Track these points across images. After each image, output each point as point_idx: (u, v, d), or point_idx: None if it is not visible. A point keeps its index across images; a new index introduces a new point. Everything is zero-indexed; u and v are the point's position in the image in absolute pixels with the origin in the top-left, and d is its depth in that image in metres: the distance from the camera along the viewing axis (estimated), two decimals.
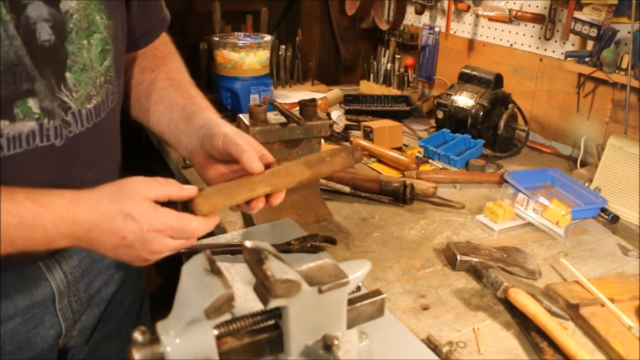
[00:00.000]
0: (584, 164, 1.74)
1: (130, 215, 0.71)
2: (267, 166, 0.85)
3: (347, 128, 1.98)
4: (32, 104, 0.76)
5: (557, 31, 1.85)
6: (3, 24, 0.70)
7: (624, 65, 1.57)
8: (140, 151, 2.08)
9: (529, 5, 1.93)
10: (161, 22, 1.06)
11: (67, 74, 0.80)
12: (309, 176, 0.83)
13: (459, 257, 1.13)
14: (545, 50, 1.91)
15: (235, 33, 2.15)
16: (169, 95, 0.99)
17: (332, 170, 0.86)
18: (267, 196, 0.84)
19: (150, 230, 0.72)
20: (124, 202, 0.71)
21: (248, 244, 0.70)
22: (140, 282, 1.19)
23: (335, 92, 2.27)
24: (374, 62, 2.48)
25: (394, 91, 2.37)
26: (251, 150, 0.81)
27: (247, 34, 2.17)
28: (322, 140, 1.33)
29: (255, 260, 0.68)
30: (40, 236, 0.70)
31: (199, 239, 0.85)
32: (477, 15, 2.16)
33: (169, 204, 0.75)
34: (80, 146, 0.84)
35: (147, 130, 1.06)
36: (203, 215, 0.77)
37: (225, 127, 0.87)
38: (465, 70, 1.93)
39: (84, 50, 0.81)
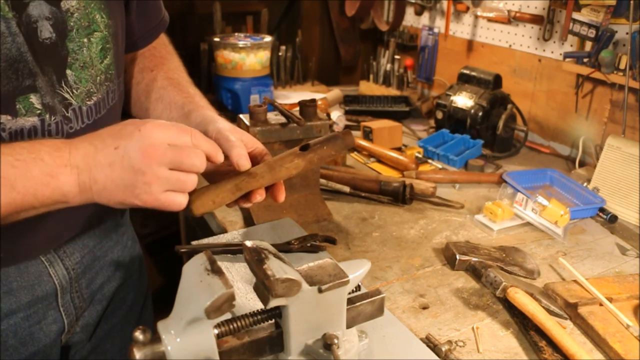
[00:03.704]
0: (582, 164, 1.74)
1: (126, 122, 0.72)
2: (261, 159, 0.85)
3: (347, 128, 1.99)
4: (34, 99, 0.77)
5: (556, 32, 1.86)
6: (5, 22, 0.71)
7: (622, 66, 1.58)
8: None
9: (528, 6, 1.94)
10: (160, 23, 1.07)
11: (68, 71, 0.81)
12: (301, 166, 0.83)
13: (458, 257, 1.13)
14: (544, 51, 1.91)
15: (236, 34, 2.16)
16: (168, 94, 1.00)
17: (325, 157, 0.84)
18: (270, 190, 0.85)
19: (143, 130, 0.69)
20: (119, 126, 0.72)
21: (248, 243, 0.71)
22: (143, 280, 1.19)
23: (335, 92, 2.28)
24: (374, 63, 2.49)
25: (393, 92, 2.38)
26: (240, 147, 0.81)
27: (248, 34, 2.17)
28: None
29: (256, 259, 0.68)
30: (39, 172, 0.67)
31: (200, 237, 0.85)
32: (476, 16, 2.16)
33: None
34: None
35: None
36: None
37: (220, 123, 0.87)
38: (465, 71, 1.94)
39: (84, 48, 0.83)
